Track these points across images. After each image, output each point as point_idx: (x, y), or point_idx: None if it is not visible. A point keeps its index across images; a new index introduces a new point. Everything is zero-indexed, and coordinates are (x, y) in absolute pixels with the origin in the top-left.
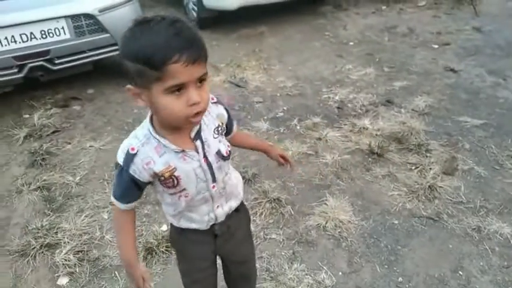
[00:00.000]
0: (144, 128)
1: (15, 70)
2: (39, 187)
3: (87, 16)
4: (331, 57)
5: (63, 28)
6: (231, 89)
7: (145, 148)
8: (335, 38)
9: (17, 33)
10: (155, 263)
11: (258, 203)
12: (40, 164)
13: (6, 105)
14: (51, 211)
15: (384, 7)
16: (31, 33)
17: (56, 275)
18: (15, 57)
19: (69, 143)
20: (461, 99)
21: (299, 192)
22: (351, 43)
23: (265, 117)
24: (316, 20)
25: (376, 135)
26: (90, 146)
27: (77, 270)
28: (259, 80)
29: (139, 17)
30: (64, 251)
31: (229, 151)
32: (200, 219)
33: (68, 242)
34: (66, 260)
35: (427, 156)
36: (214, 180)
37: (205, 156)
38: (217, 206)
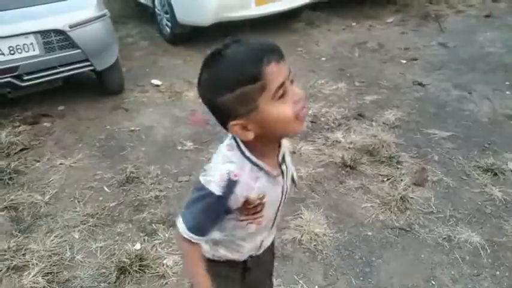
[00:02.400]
0: (234, 149)
1: None
2: (6, 207)
3: (57, 32)
4: (304, 72)
5: (32, 44)
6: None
7: (245, 174)
8: (308, 54)
9: None
10: (128, 283)
11: None
12: (7, 183)
13: None
14: (18, 232)
15: (354, 24)
16: None
17: None
18: None
19: (39, 161)
20: (429, 112)
21: None
22: (323, 58)
23: None
24: (289, 36)
25: (349, 148)
26: (60, 164)
27: None
28: None
29: (209, 55)
30: (32, 273)
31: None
32: (248, 248)
33: (37, 264)
34: (34, 283)
35: (398, 168)
36: (280, 204)
37: (283, 187)
38: (265, 235)
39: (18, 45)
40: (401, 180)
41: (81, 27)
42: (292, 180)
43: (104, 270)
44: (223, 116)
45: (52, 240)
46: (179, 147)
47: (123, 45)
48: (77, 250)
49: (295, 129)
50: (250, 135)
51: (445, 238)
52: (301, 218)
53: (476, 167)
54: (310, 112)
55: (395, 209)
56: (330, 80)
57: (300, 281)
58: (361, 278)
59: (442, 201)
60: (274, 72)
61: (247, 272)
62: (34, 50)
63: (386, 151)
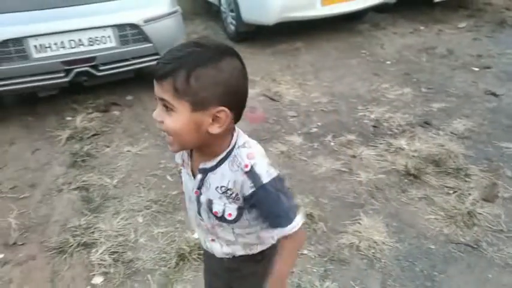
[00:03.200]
0: None
1: (63, 74)
2: (78, 187)
3: (133, 26)
4: (368, 75)
5: (109, 36)
6: (265, 102)
7: None
8: (372, 57)
9: (66, 39)
10: (187, 270)
11: None
12: (80, 165)
13: (51, 107)
14: (89, 211)
15: (422, 27)
16: (79, 39)
17: (91, 273)
18: (63, 62)
19: (108, 147)
20: (503, 124)
21: (332, 209)
22: (388, 62)
23: (299, 132)
24: (353, 37)
25: (413, 156)
26: (127, 151)
27: (111, 271)
28: (293, 94)
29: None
30: (100, 251)
31: (225, 218)
32: (200, 239)
33: (104, 243)
34: (101, 260)
35: (466, 181)
36: (199, 214)
37: (199, 189)
38: (212, 239)
39: (97, 37)
40: (469, 194)
41: (155, 22)
42: (209, 206)
43: (164, 255)
44: None
45: (118, 222)
46: None
47: None
48: (141, 233)
49: None
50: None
51: None
52: (359, 223)
53: None
54: (372, 116)
55: (462, 223)
56: (394, 85)
57: (357, 287)
58: None
59: None
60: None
61: (227, 271)
62: (111, 42)
63: (454, 162)
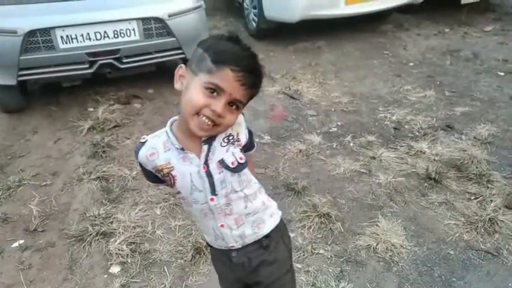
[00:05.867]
0: (166, 125)
1: (87, 65)
2: (98, 177)
3: (157, 20)
4: (389, 77)
5: (133, 30)
6: (285, 100)
7: (154, 140)
8: (394, 58)
9: (92, 31)
10: (203, 263)
11: (306, 216)
12: (101, 155)
13: (74, 98)
14: (108, 201)
15: (447, 29)
16: (105, 32)
17: (109, 263)
18: (88, 54)
19: (128, 139)
20: None
21: (350, 210)
22: (411, 64)
23: (318, 131)
24: (375, 38)
25: (434, 160)
26: None
27: (129, 261)
28: (313, 93)
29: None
30: (118, 241)
31: (240, 163)
32: (208, 233)
33: (122, 233)
34: (119, 250)
35: (488, 187)
36: (213, 192)
37: (206, 164)
38: (221, 225)
39: (122, 29)
40: (491, 200)
41: (179, 17)
42: (223, 164)
43: (181, 248)
44: (189, 60)
45: (136, 213)
46: (257, 140)
47: None
48: (158, 225)
49: (191, 123)
50: (178, 86)
51: None
52: (377, 225)
53: None
54: (393, 118)
55: (482, 230)
56: (417, 87)
57: None
58: None
59: None
60: (226, 78)
61: (237, 266)
62: (135, 35)
63: (476, 168)
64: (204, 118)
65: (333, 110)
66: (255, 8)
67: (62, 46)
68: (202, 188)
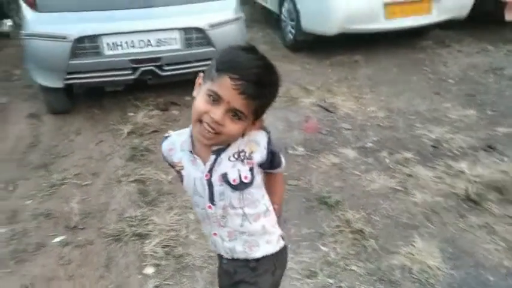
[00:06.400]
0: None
1: (130, 72)
2: (136, 180)
3: (198, 30)
4: (428, 93)
5: (175, 39)
6: (320, 112)
7: (176, 137)
8: (434, 74)
9: (136, 39)
10: None
11: (339, 230)
12: (139, 159)
13: (115, 102)
14: (144, 203)
15: (490, 47)
16: (148, 40)
17: (143, 263)
18: (131, 60)
19: None
20: None
21: (384, 227)
22: (451, 81)
23: (353, 145)
24: (414, 53)
25: (474, 181)
26: None
27: (163, 263)
28: (349, 107)
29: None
30: (153, 243)
31: (242, 182)
32: (207, 237)
33: (157, 235)
34: (153, 252)
35: None
36: (212, 201)
37: (210, 172)
38: (214, 233)
39: (165, 38)
40: None
41: (219, 27)
42: (224, 178)
43: (212, 254)
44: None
45: (171, 217)
46: (290, 151)
47: None
48: (192, 230)
49: (195, 130)
50: (195, 93)
51: None
52: (413, 245)
53: None
54: (431, 136)
55: None
56: (457, 105)
57: None
58: None
59: None
60: (224, 85)
61: (222, 270)
62: (176, 44)
63: None
64: (205, 125)
65: (368, 124)
66: (292, 20)
67: (107, 52)
68: (202, 194)
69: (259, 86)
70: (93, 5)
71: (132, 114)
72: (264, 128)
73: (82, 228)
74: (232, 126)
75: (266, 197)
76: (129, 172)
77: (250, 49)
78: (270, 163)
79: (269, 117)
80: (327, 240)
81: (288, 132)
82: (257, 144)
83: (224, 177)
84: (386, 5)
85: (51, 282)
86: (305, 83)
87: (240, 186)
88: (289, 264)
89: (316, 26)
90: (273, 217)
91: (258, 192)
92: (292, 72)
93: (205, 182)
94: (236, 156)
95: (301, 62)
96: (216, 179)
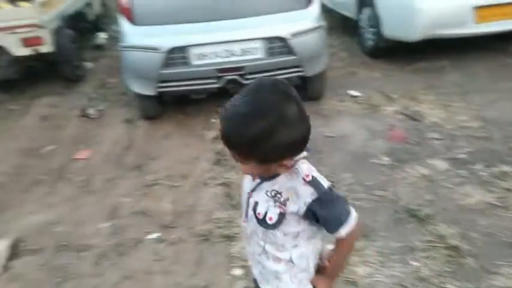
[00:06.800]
0: None
1: (215, 80)
2: (221, 183)
3: (280, 39)
4: None
5: (258, 48)
6: (405, 121)
7: None
8: None
9: (221, 49)
10: None
11: (432, 246)
12: (223, 163)
13: (199, 109)
14: (230, 206)
15: None
16: (232, 50)
17: (231, 265)
18: (217, 70)
19: None
20: None
21: (483, 245)
22: None
23: (443, 156)
24: (507, 58)
25: None
26: None
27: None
28: (437, 115)
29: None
30: (239, 245)
31: (265, 221)
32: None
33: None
34: (241, 254)
35: None
36: (246, 217)
37: (252, 192)
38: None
39: (248, 48)
40: None
41: (300, 36)
42: (254, 209)
43: None
44: None
45: None
46: (374, 160)
47: None
48: None
49: None
50: None
51: None
52: None
53: None
54: None
55: None
56: None
57: None
58: None
59: None
60: None
61: None
62: (258, 54)
63: None
64: None
65: (459, 134)
66: (372, 26)
67: (195, 62)
68: (243, 207)
69: (230, 137)
70: (183, 18)
71: (214, 120)
72: (317, 184)
73: (174, 227)
74: (242, 166)
75: (300, 250)
76: (215, 175)
77: (249, 93)
78: (325, 225)
79: (350, 124)
80: (418, 255)
81: (371, 140)
82: (296, 196)
83: (254, 206)
84: (476, 8)
85: (149, 276)
86: (387, 91)
87: (263, 223)
88: (379, 277)
89: (399, 31)
90: (297, 272)
91: (286, 239)
92: (372, 79)
93: (246, 198)
94: (272, 194)
95: (382, 69)
96: (251, 202)
